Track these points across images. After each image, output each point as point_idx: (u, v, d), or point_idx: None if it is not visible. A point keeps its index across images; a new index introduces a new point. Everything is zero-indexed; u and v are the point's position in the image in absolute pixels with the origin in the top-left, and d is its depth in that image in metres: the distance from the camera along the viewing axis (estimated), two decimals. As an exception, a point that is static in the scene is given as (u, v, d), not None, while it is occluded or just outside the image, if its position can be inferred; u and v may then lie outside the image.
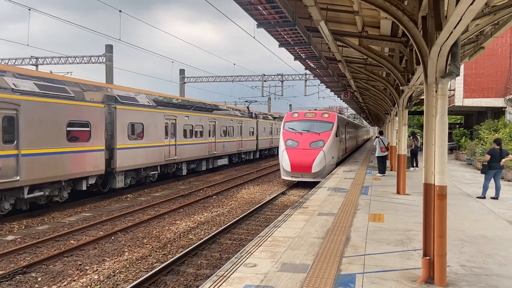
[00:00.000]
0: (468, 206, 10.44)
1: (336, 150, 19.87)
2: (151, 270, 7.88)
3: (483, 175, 11.81)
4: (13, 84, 12.34)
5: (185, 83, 44.22)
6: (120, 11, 22.22)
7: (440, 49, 4.92)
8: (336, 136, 19.79)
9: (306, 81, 43.15)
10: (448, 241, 5.35)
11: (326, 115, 19.99)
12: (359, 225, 8.30)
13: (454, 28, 4.35)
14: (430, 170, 5.31)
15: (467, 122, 37.57)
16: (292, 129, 19.34)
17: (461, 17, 4.07)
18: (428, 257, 5.26)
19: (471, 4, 3.77)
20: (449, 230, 5.36)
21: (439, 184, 5.13)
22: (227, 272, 5.51)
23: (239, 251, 7.86)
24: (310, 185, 17.41)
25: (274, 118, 44.91)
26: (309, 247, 6.73)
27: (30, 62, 34.14)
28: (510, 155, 11.52)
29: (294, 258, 6.16)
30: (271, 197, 15.70)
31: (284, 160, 18.30)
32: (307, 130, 19.09)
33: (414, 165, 20.28)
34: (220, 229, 10.83)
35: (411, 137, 21.66)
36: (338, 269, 5.66)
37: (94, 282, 7.40)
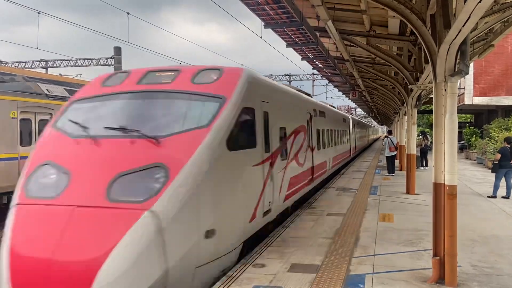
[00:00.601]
0: (478, 206, 10.33)
1: (238, 200, 5.76)
2: (160, 271, 7.88)
3: (494, 174, 11.70)
4: (47, 90, 13.19)
5: (193, 84, 44.33)
6: (128, 13, 22.37)
7: (449, 47, 4.89)
8: (245, 144, 6.07)
9: (314, 81, 43.13)
10: (459, 241, 5.30)
11: (214, 76, 5.99)
12: (368, 225, 8.25)
13: (463, 26, 4.32)
14: (440, 169, 5.26)
15: (477, 120, 37.24)
16: (83, 126, 5.32)
17: (470, 14, 4.04)
18: (439, 257, 5.21)
19: (480, 1, 3.74)
20: (459, 230, 5.31)
21: (449, 183, 5.09)
22: (236, 273, 5.51)
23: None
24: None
25: None
26: (318, 247, 6.70)
27: (40, 65, 34.54)
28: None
29: (303, 258, 6.14)
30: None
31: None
32: (122, 130, 5.11)
33: (424, 164, 20.06)
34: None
35: (421, 136, 21.46)
36: (347, 269, 5.63)
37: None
